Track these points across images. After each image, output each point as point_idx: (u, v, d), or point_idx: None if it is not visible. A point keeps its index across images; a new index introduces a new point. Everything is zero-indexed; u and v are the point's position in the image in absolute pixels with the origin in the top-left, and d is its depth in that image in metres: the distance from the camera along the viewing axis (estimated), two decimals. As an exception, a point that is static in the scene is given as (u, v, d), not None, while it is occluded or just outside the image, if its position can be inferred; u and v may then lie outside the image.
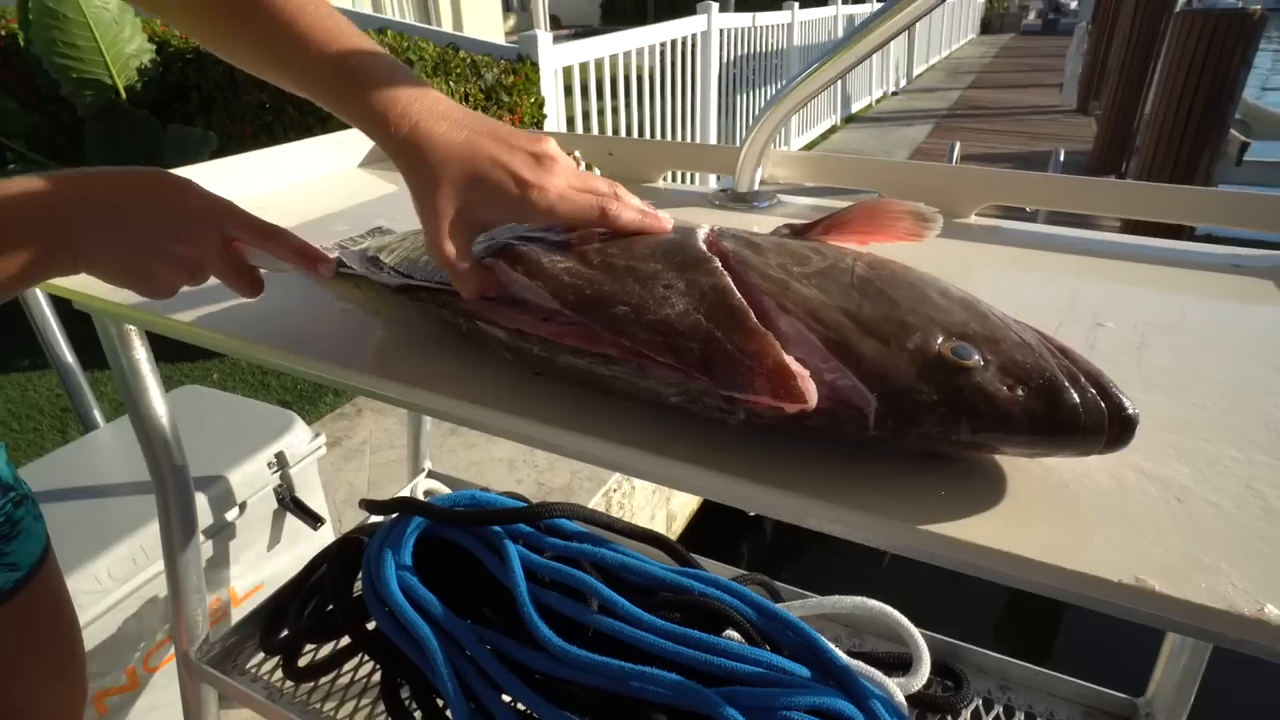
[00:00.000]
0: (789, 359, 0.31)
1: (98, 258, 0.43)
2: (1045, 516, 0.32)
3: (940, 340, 0.32)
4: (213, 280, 0.59)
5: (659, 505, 2.06)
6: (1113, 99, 5.62)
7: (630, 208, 0.44)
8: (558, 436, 0.38)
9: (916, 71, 10.50)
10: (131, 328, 0.70)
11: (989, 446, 0.33)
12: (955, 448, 0.33)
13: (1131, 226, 3.23)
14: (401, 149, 0.43)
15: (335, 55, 0.44)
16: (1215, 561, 0.29)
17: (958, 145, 3.65)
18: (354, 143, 0.95)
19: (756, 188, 0.75)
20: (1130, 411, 0.31)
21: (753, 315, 0.33)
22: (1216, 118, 3.74)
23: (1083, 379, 0.31)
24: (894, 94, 9.28)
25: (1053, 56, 13.32)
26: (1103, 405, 0.31)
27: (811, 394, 0.30)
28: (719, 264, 0.37)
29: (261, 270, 0.49)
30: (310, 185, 0.88)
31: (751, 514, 0.37)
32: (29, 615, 0.66)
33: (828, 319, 0.33)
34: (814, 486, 0.34)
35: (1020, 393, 0.31)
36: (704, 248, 0.39)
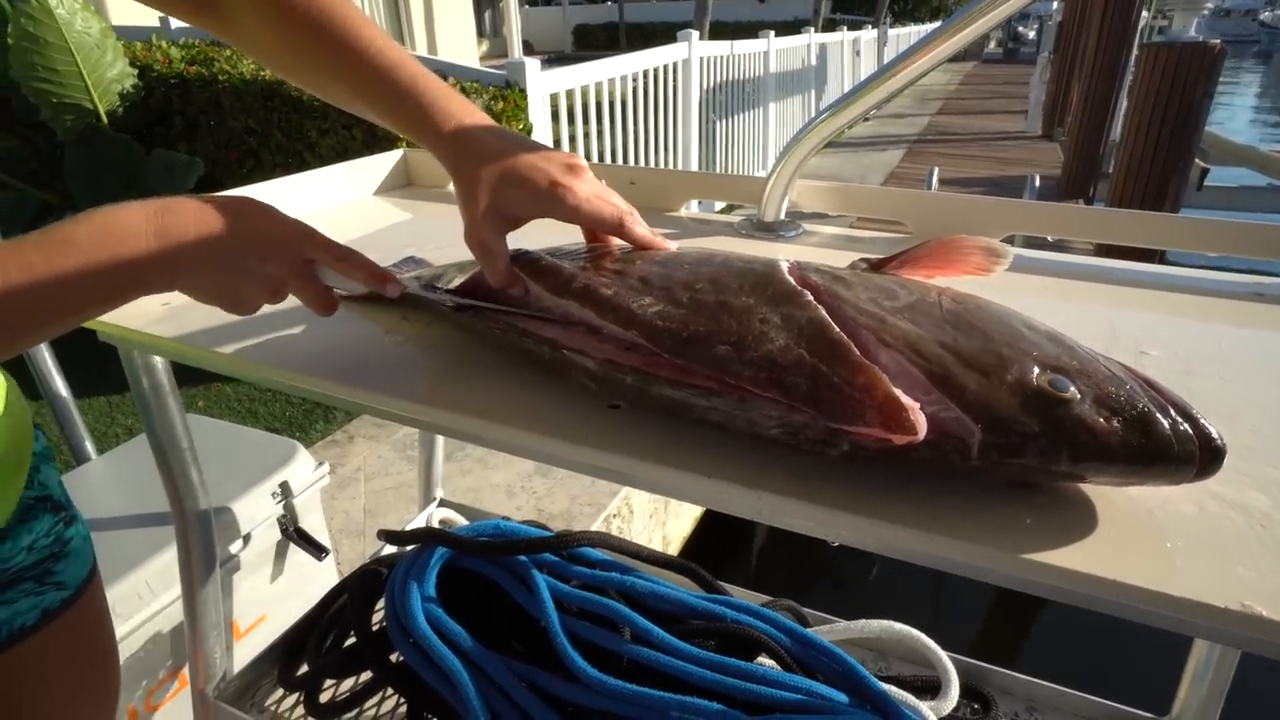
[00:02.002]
0: (897, 391, 0.32)
1: (192, 278, 0.46)
2: (1138, 544, 0.33)
3: (1037, 373, 0.33)
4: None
5: (655, 529, 2.05)
6: (1078, 126, 5.80)
7: (643, 224, 0.51)
8: (649, 471, 0.38)
9: (886, 98, 10.74)
10: (158, 359, 0.69)
11: (1082, 476, 0.33)
12: (1050, 478, 0.34)
13: (1104, 250, 3.32)
14: (452, 152, 0.50)
15: (401, 77, 0.52)
16: (1313, 586, 0.30)
17: (936, 170, 3.73)
18: (371, 170, 0.95)
19: (782, 217, 0.76)
20: (1219, 442, 0.32)
21: (855, 348, 0.34)
22: (1183, 147, 3.88)
23: (1171, 410, 0.33)
24: (865, 119, 9.48)
25: (1015, 84, 13.74)
26: (1193, 435, 0.32)
27: (922, 425, 0.31)
28: (811, 297, 0.38)
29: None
30: (330, 213, 0.88)
31: (834, 544, 0.37)
32: (73, 635, 0.65)
33: (927, 352, 0.34)
34: (908, 518, 0.34)
35: (1116, 424, 0.32)
36: (793, 281, 0.40)
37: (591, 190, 0.49)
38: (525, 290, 0.49)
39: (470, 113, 0.52)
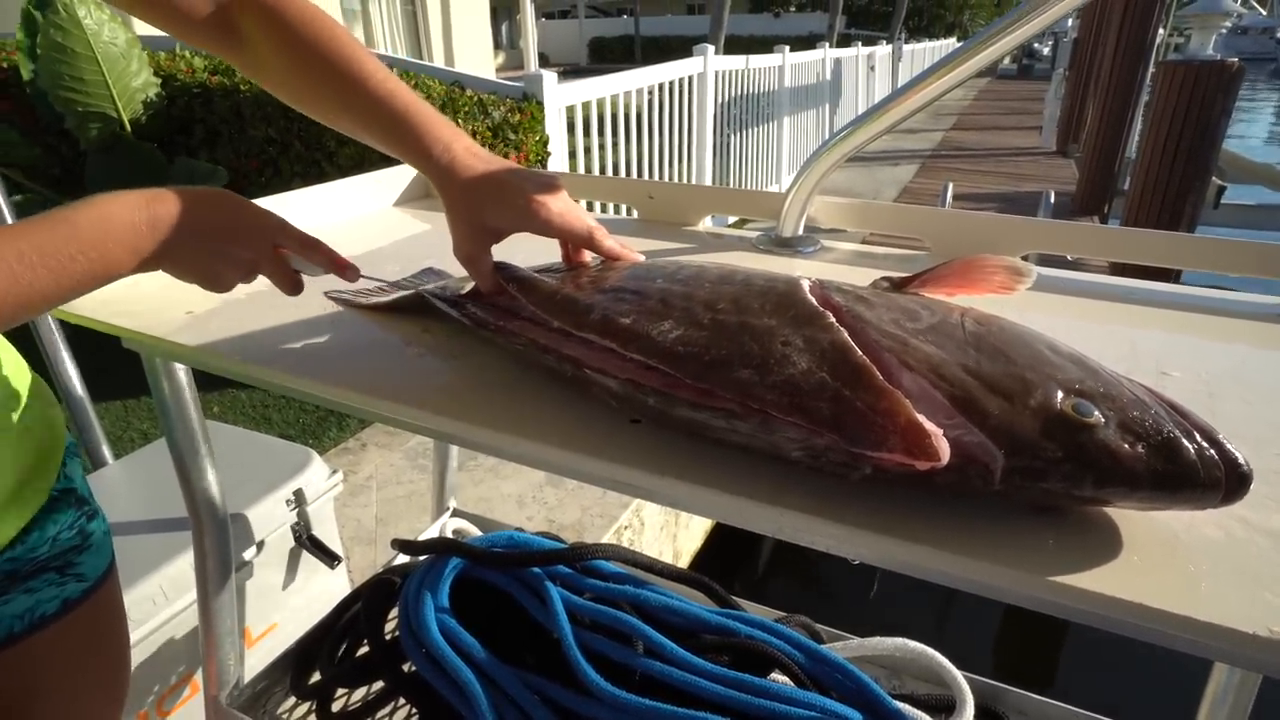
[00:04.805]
0: (920, 417, 0.32)
1: (178, 259, 0.52)
2: (1162, 568, 0.33)
3: (1061, 397, 0.33)
4: (275, 319, 0.61)
5: (665, 542, 2.05)
6: (1094, 143, 5.78)
7: (611, 238, 0.57)
8: (670, 487, 0.38)
9: (900, 113, 10.75)
10: (180, 367, 0.70)
11: (1107, 501, 0.33)
12: (1074, 502, 0.34)
13: (1120, 268, 3.30)
14: (441, 173, 0.55)
15: (396, 106, 0.57)
16: (1341, 614, 0.30)
17: (950, 186, 3.73)
18: (391, 182, 0.96)
19: (800, 233, 0.76)
20: (1245, 467, 0.32)
21: (878, 373, 0.34)
22: (1200, 165, 3.86)
23: (1197, 434, 0.32)
24: (883, 134, 9.47)
25: (1029, 100, 13.72)
26: (1219, 461, 0.32)
27: (945, 452, 0.31)
28: (833, 319, 0.38)
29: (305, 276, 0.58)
30: (352, 223, 0.89)
31: (855, 563, 0.37)
32: (90, 625, 0.67)
33: (951, 376, 0.34)
34: (930, 537, 0.34)
35: (1141, 449, 0.32)
36: (815, 302, 0.40)
37: (564, 207, 0.55)
38: (546, 314, 0.50)
39: (457, 138, 0.57)
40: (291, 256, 0.56)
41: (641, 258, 0.57)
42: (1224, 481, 0.32)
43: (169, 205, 0.50)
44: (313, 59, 0.57)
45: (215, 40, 0.60)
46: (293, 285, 0.57)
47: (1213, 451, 0.32)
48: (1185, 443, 0.32)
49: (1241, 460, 0.32)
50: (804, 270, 0.70)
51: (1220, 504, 0.32)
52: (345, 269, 0.57)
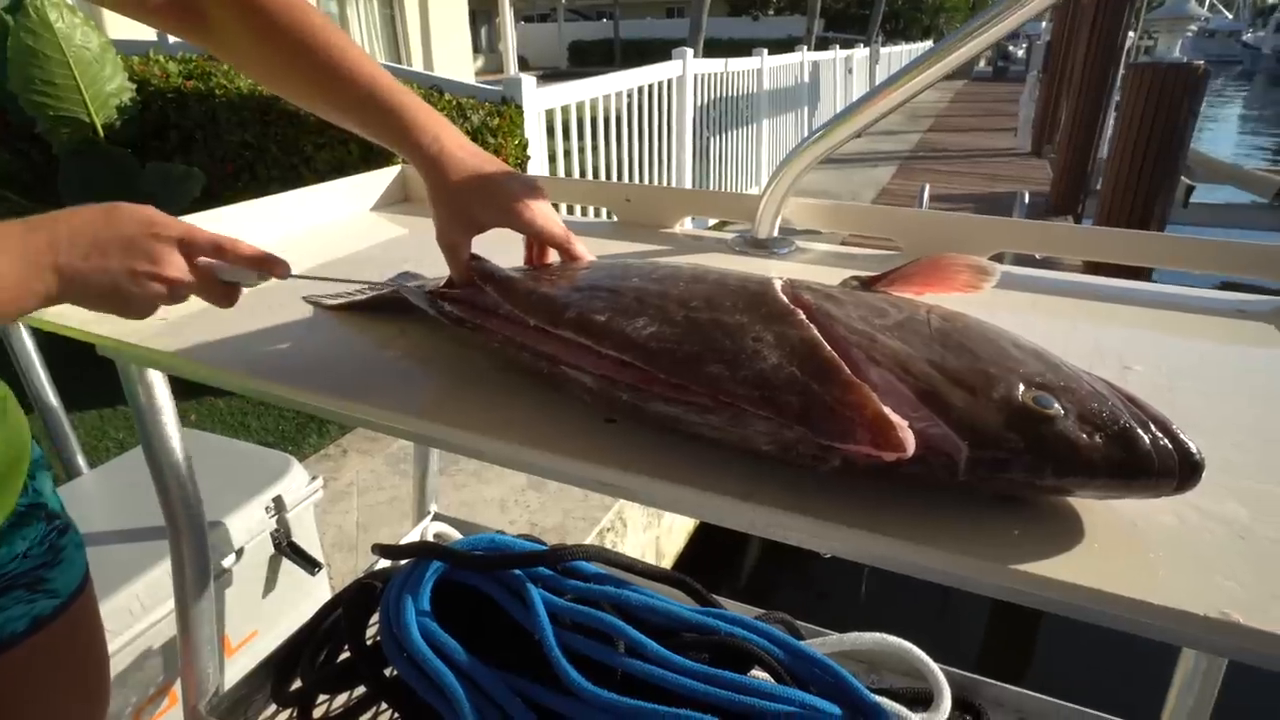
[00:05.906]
0: (886, 409, 0.33)
1: (75, 287, 0.45)
2: (1122, 555, 0.34)
3: (1022, 390, 0.34)
4: (252, 324, 0.61)
5: (649, 544, 2.05)
6: (1067, 144, 5.87)
7: (582, 243, 0.60)
8: (643, 485, 0.39)
9: (878, 115, 10.86)
10: (156, 373, 0.69)
11: (1068, 490, 0.34)
12: (1035, 491, 0.35)
13: (1093, 268, 3.36)
14: (428, 162, 0.57)
15: (379, 93, 0.57)
16: (1290, 595, 0.31)
17: (927, 188, 3.77)
18: (368, 186, 0.96)
19: (775, 234, 0.77)
20: (1197, 456, 0.33)
21: (845, 367, 0.35)
22: (1169, 165, 3.94)
23: (1152, 425, 0.34)
24: (858, 136, 9.55)
25: (1004, 101, 13.89)
26: (1172, 450, 0.33)
27: (910, 443, 0.32)
28: (803, 316, 0.39)
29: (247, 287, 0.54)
30: (328, 227, 0.88)
31: (827, 555, 0.38)
32: (64, 643, 0.66)
33: (916, 370, 0.35)
34: (899, 529, 0.35)
35: (1099, 440, 0.33)
36: (786, 300, 0.41)
37: (546, 210, 0.58)
38: (522, 312, 0.50)
39: (444, 128, 0.58)
40: (219, 267, 0.51)
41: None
42: (1177, 470, 0.33)
43: (57, 228, 0.45)
44: (289, 45, 0.56)
45: (174, 24, 0.58)
46: (224, 298, 0.52)
47: (1167, 441, 0.33)
48: (1141, 433, 0.33)
49: (1194, 449, 0.33)
50: (778, 271, 0.71)
51: (1174, 492, 0.33)
52: (275, 265, 0.53)
